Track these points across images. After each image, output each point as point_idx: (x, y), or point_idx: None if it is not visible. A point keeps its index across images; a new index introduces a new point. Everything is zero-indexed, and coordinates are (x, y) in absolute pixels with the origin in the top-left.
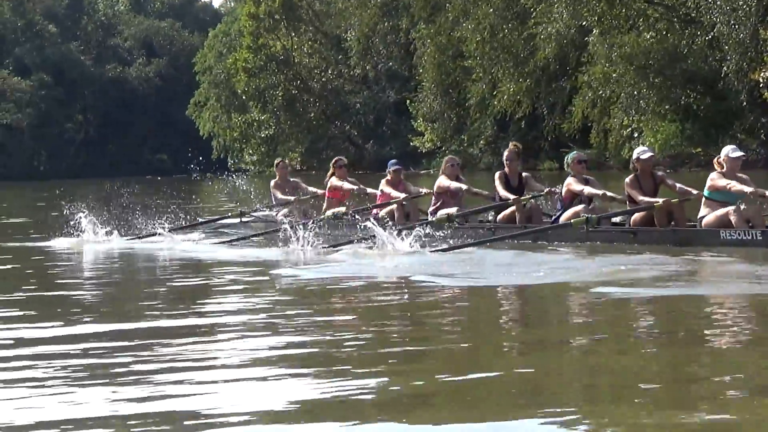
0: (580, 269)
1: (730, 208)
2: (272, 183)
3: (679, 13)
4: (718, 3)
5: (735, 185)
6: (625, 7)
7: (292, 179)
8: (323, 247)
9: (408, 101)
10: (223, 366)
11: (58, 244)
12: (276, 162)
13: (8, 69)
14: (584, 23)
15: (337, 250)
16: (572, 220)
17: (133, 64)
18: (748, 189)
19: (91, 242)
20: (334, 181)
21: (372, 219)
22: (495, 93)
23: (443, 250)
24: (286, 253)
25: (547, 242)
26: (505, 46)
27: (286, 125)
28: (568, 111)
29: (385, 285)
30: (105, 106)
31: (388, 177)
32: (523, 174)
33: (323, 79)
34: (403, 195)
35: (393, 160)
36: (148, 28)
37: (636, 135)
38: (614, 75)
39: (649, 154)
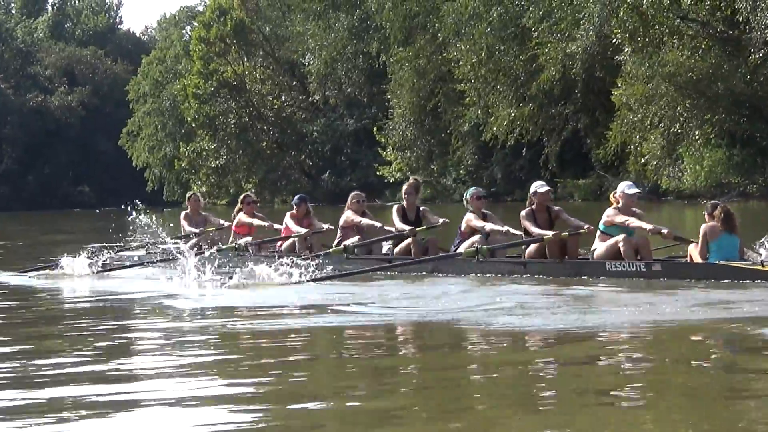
0: (457, 299)
1: (619, 237)
2: (182, 215)
3: (715, 31)
4: None
5: (634, 221)
6: (659, 23)
7: (203, 213)
8: (214, 277)
9: (375, 129)
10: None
11: None
12: (188, 195)
13: None
14: (614, 40)
15: (223, 281)
16: (462, 251)
17: (54, 92)
18: (647, 226)
19: None
20: (242, 217)
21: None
22: (492, 118)
23: (324, 279)
24: (171, 285)
25: (440, 273)
26: (503, 69)
27: (238, 154)
28: (596, 135)
29: (267, 315)
30: (26, 137)
31: (294, 211)
32: (421, 208)
33: (276, 107)
34: (304, 230)
35: (298, 195)
36: (69, 56)
37: (679, 161)
38: (655, 95)
39: (546, 188)
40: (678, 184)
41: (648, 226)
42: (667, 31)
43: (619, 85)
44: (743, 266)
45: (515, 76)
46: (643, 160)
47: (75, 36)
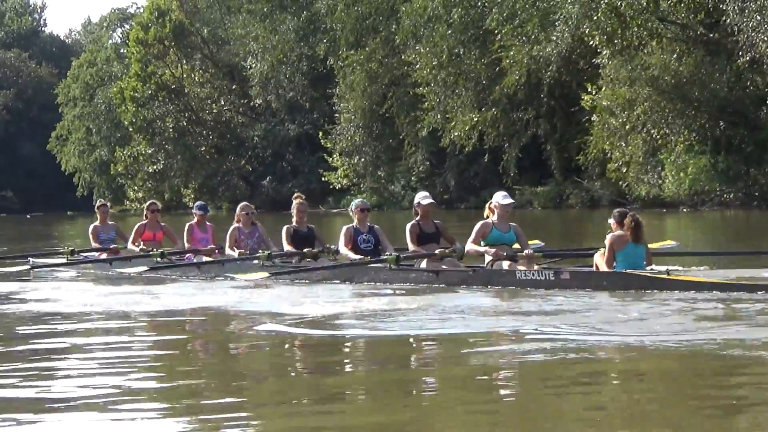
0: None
1: (492, 252)
2: (91, 227)
3: (695, 33)
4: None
5: (472, 249)
6: (638, 25)
7: (111, 222)
8: None
9: (321, 134)
10: None
11: None
12: (97, 204)
13: None
14: (591, 42)
15: None
16: (386, 256)
17: None
18: (479, 250)
19: None
20: (138, 227)
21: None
22: (453, 123)
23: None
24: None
25: (356, 282)
26: (463, 72)
27: (176, 159)
28: (555, 141)
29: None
30: None
31: (194, 221)
32: (310, 226)
33: (215, 111)
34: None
35: (198, 203)
36: None
37: (659, 168)
38: (636, 99)
39: (430, 200)
40: (657, 192)
41: (480, 250)
42: (645, 33)
43: (594, 89)
44: (650, 275)
45: (476, 80)
46: (613, 166)
47: None
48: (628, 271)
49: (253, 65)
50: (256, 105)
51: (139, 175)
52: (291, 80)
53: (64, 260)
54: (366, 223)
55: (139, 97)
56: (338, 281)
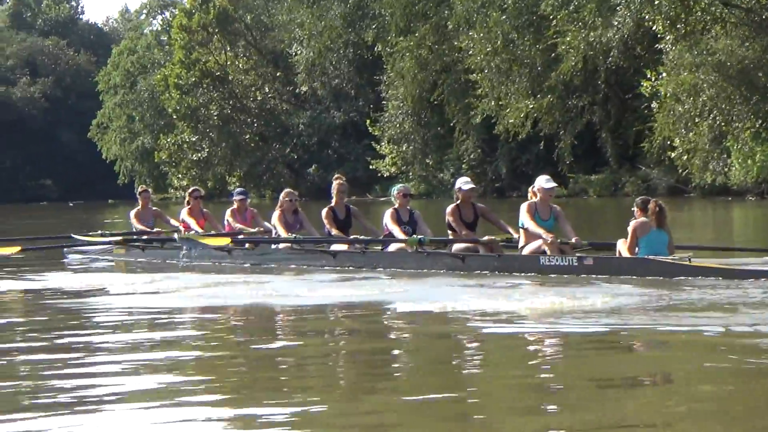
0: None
1: (541, 242)
2: (133, 212)
3: (761, 18)
4: None
5: (532, 227)
6: (702, 10)
7: (154, 208)
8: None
9: (369, 121)
10: None
11: None
12: (139, 190)
13: None
14: (654, 28)
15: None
16: (407, 238)
17: (17, 83)
18: (544, 237)
19: None
20: (183, 213)
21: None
22: (507, 110)
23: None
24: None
25: (382, 267)
26: (517, 59)
27: (220, 147)
28: (623, 128)
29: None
30: None
31: (234, 206)
32: (350, 207)
33: (259, 98)
34: (239, 226)
35: (239, 189)
36: (31, 46)
37: (725, 156)
38: (702, 85)
39: (470, 186)
40: (723, 180)
41: (545, 237)
42: (709, 18)
43: (654, 75)
44: (671, 261)
45: (531, 66)
46: (677, 154)
47: (36, 26)
48: (650, 257)
49: (299, 52)
50: (301, 92)
51: (183, 162)
52: (336, 67)
53: (107, 241)
54: (407, 208)
55: (183, 84)
56: (366, 268)
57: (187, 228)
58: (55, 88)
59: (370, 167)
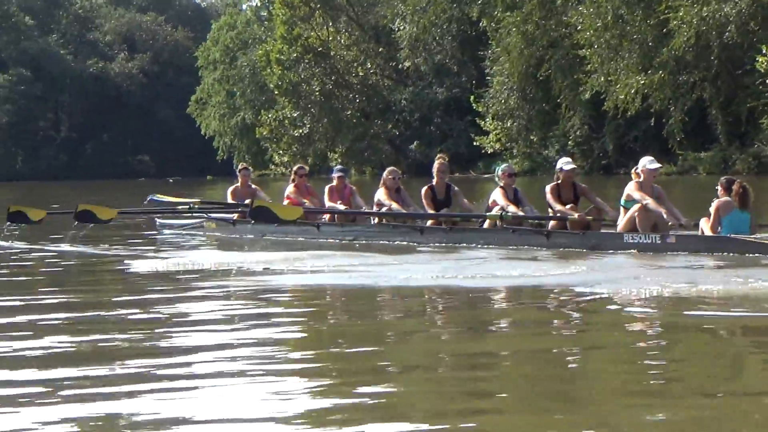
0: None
1: (635, 207)
2: (230, 189)
3: None
4: None
5: (649, 202)
6: None
7: (252, 186)
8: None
9: (473, 97)
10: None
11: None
12: (239, 168)
13: None
14: None
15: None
16: (487, 213)
17: (114, 59)
18: (657, 207)
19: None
20: (290, 190)
21: None
22: (619, 86)
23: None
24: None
25: (466, 244)
26: (628, 34)
27: (322, 123)
28: (734, 105)
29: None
30: (85, 104)
31: (333, 183)
32: (450, 186)
33: (361, 74)
34: (341, 207)
35: (338, 166)
36: (129, 22)
37: None
38: None
39: (572, 166)
40: None
41: (659, 207)
42: None
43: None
44: (753, 240)
45: (641, 41)
46: None
47: (134, 2)
48: (732, 235)
49: (402, 27)
50: (403, 68)
51: (285, 138)
52: (439, 43)
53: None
54: (512, 187)
55: (285, 59)
56: (451, 243)
57: (294, 204)
58: (153, 64)
59: (474, 144)
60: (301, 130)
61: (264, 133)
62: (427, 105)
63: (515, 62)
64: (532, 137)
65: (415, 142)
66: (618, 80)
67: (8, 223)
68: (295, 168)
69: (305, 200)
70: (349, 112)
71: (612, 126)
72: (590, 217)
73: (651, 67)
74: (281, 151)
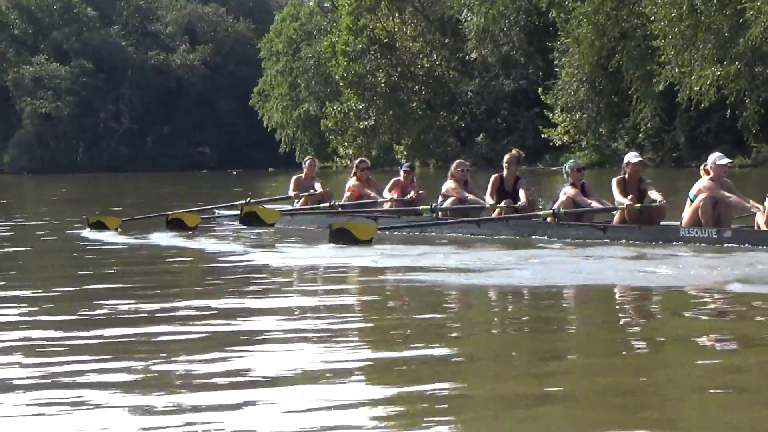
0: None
1: (700, 198)
2: (294, 178)
3: None
4: None
5: (734, 199)
6: None
7: (315, 179)
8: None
9: (541, 89)
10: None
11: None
12: (305, 160)
13: (45, 54)
14: None
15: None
16: (541, 212)
17: (176, 51)
18: (741, 201)
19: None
20: (352, 182)
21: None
22: (693, 78)
23: (391, 228)
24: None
25: (519, 236)
26: (703, 24)
27: (387, 115)
28: None
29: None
30: (146, 96)
31: (400, 178)
32: (519, 178)
33: (427, 66)
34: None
35: (405, 162)
36: (190, 14)
37: None
38: None
39: (639, 159)
40: None
41: (747, 204)
42: None
43: None
44: None
45: (717, 32)
46: None
47: None
48: None
49: (468, 18)
50: (470, 60)
51: (349, 131)
52: (507, 34)
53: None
54: (581, 182)
55: (351, 51)
56: (507, 235)
57: (356, 195)
58: (214, 56)
59: (542, 136)
60: (366, 122)
61: (329, 125)
62: (493, 97)
63: (586, 53)
64: (600, 129)
65: (481, 135)
66: (692, 71)
67: (89, 230)
68: (356, 162)
69: (370, 192)
70: (414, 104)
71: (684, 118)
72: (638, 206)
73: (726, 58)
74: (346, 144)
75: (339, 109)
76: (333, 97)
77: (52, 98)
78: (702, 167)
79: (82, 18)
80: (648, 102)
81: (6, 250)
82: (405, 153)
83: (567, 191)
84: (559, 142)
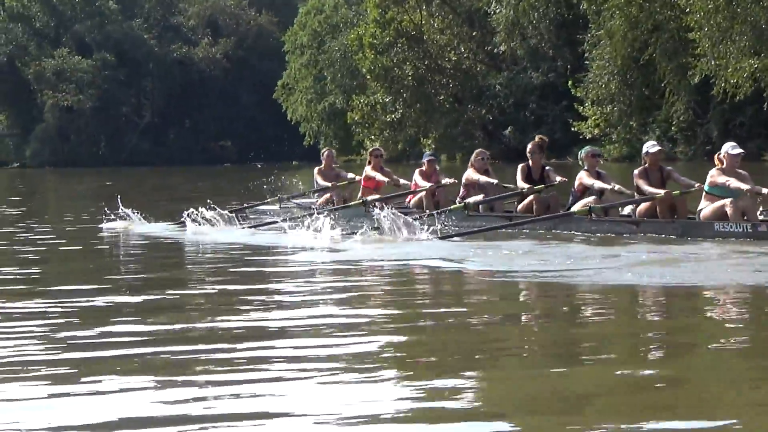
0: (579, 258)
1: (727, 201)
2: (316, 170)
3: None
4: None
5: (733, 182)
6: None
7: (336, 168)
8: (342, 232)
9: (570, 82)
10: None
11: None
12: (323, 151)
13: (67, 48)
14: None
15: (350, 236)
16: (575, 210)
17: (198, 44)
18: (745, 186)
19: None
20: (368, 170)
21: (385, 207)
22: (729, 70)
23: (451, 236)
24: (300, 239)
25: (557, 230)
26: (740, 16)
27: (414, 108)
28: None
29: (394, 271)
30: (168, 89)
31: (423, 168)
32: (546, 167)
33: (454, 59)
34: (429, 184)
35: (428, 152)
36: (212, 6)
37: None
38: None
39: (658, 148)
40: None
41: (746, 187)
42: None
43: None
44: None
45: (754, 24)
46: None
47: None
48: None
49: (498, 11)
50: (499, 52)
51: (376, 124)
52: (536, 27)
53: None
54: (596, 169)
55: (378, 44)
56: (541, 230)
57: (372, 182)
58: (237, 49)
59: (572, 129)
60: (392, 116)
61: (355, 118)
62: (521, 90)
63: (617, 46)
64: (631, 123)
65: (509, 128)
66: (728, 64)
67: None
68: (370, 149)
69: (385, 178)
70: (441, 97)
71: (718, 111)
72: (676, 192)
73: (763, 50)
74: (372, 137)
75: (366, 102)
76: (359, 90)
77: (74, 91)
78: (715, 156)
79: (104, 11)
80: (681, 95)
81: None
82: (432, 146)
83: (581, 176)
84: (589, 135)
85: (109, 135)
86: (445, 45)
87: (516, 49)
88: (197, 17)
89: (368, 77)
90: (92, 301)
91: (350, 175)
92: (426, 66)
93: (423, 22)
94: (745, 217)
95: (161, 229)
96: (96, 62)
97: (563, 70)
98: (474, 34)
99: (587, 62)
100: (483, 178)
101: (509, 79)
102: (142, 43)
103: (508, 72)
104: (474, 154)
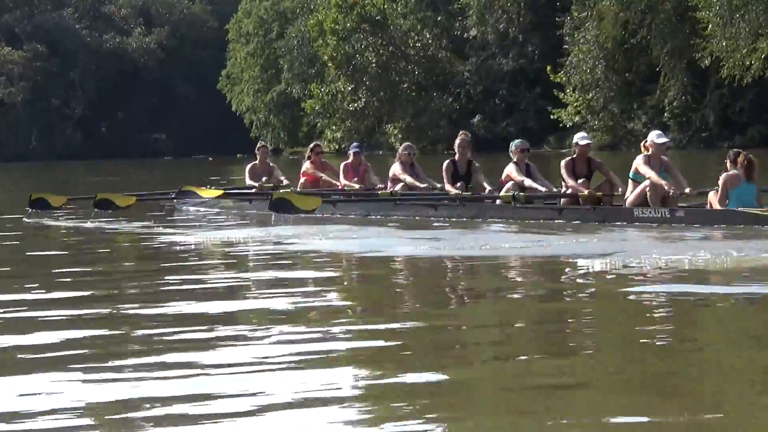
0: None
1: (646, 183)
2: (249, 166)
3: None
4: None
5: (653, 177)
6: None
7: (271, 164)
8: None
9: (549, 68)
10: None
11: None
12: (258, 145)
13: None
14: None
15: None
16: (500, 195)
17: (131, 34)
18: (664, 183)
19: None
20: (306, 165)
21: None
22: (739, 54)
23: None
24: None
25: (480, 219)
26: None
27: (377, 96)
28: None
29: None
30: (101, 80)
31: (349, 160)
32: (472, 162)
33: (419, 44)
34: (355, 185)
35: (354, 143)
36: None
37: None
38: None
39: (587, 141)
40: None
41: (664, 183)
42: None
43: None
44: (761, 212)
45: (756, 9)
46: None
47: None
48: (740, 209)
49: None
50: (469, 37)
51: (338, 113)
52: (506, 10)
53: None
54: (525, 162)
55: (340, 29)
56: (465, 218)
57: (311, 179)
58: (171, 38)
59: (548, 117)
60: (355, 104)
61: (315, 108)
62: (491, 77)
63: (607, 28)
64: (614, 109)
65: (477, 116)
66: (737, 46)
67: (29, 209)
68: (311, 146)
69: (322, 174)
70: (405, 85)
71: (716, 96)
72: (599, 193)
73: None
74: (334, 127)
75: (326, 90)
76: (318, 79)
77: (5, 84)
78: (642, 144)
79: (33, 0)
80: (677, 78)
81: None
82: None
83: (509, 170)
84: (569, 123)
85: (40, 128)
86: (408, 30)
87: (486, 35)
88: (129, 6)
89: (330, 64)
90: None
91: (283, 178)
92: (390, 53)
93: (385, 6)
94: (666, 202)
95: None
96: (27, 53)
97: (533, 55)
98: (439, 18)
99: (566, 47)
100: (409, 179)
101: (477, 66)
102: (74, 33)
103: (476, 58)
104: (401, 148)
